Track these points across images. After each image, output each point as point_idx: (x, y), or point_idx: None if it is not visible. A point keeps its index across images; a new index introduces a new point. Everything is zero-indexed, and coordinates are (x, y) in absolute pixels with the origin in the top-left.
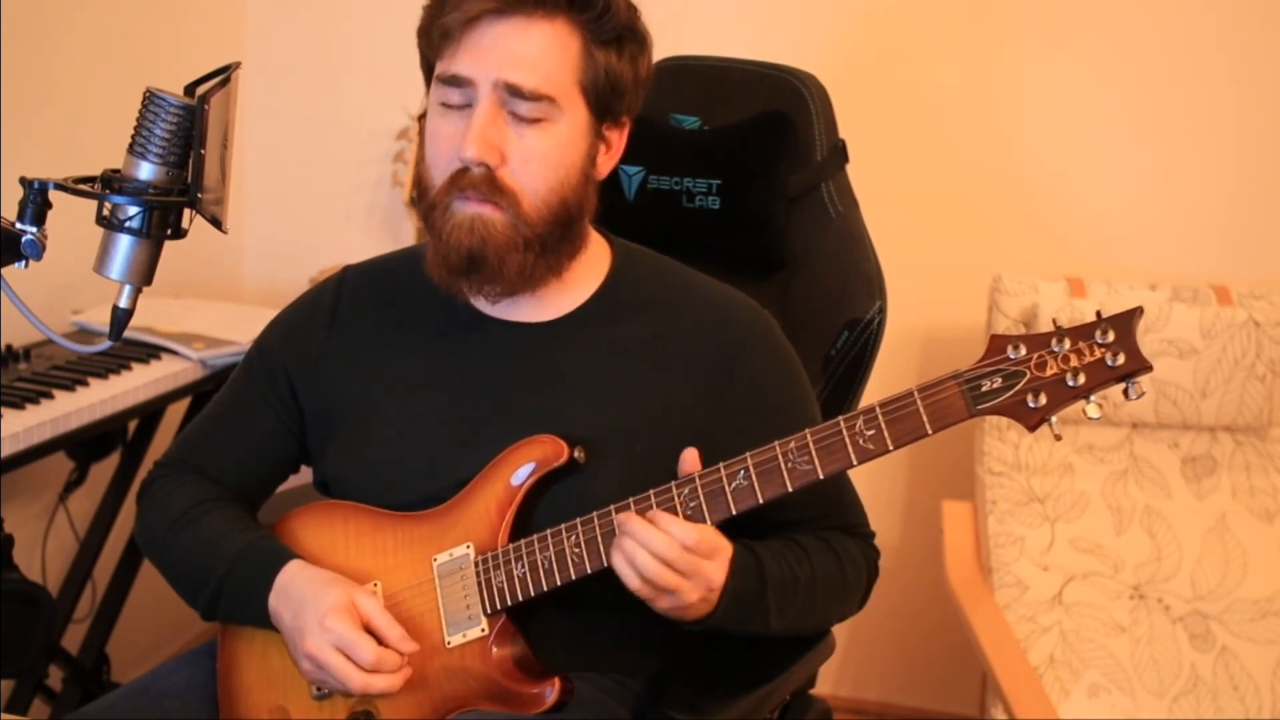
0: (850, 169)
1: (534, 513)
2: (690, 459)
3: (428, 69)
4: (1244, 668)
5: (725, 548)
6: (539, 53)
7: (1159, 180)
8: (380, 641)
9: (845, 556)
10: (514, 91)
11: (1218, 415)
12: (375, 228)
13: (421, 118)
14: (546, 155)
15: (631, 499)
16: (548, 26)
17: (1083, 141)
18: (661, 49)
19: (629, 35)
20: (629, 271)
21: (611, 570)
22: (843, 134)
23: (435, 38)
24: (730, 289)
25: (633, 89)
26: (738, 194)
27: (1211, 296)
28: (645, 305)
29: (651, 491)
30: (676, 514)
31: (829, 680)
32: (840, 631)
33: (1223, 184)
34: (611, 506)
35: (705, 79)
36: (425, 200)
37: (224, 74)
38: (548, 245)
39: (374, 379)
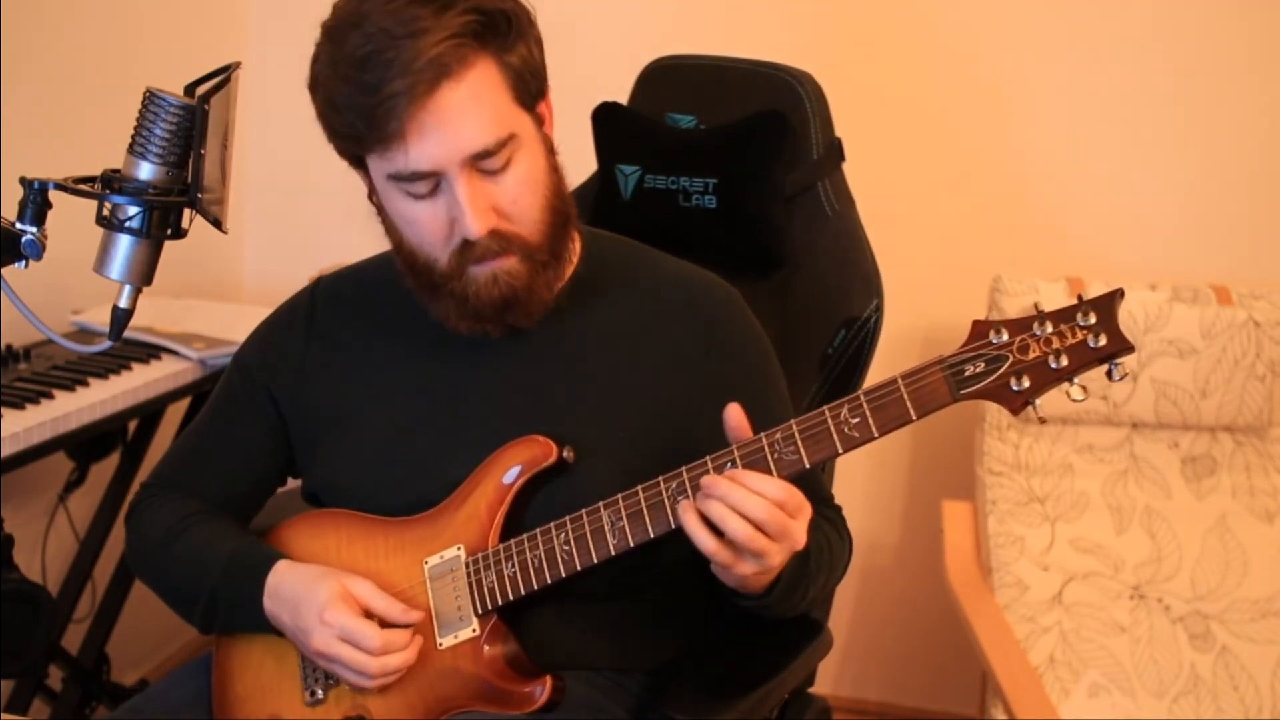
0: (848, 168)
1: (525, 512)
2: (734, 417)
3: (349, 155)
4: (1244, 668)
5: (808, 507)
6: (481, 107)
7: (1159, 180)
8: (383, 622)
9: (830, 527)
10: (482, 156)
11: (1218, 415)
12: (375, 228)
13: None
14: (528, 183)
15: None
16: (468, 74)
17: (1083, 141)
18: (658, 48)
19: (522, 20)
20: (599, 258)
21: (600, 567)
22: (840, 133)
23: (365, 140)
24: (699, 269)
25: (541, 60)
26: (734, 193)
27: (1211, 296)
28: (617, 291)
29: (639, 488)
30: (665, 510)
31: (829, 680)
32: (840, 631)
33: (1223, 184)
34: (600, 504)
35: (701, 78)
36: (426, 278)
37: (224, 74)
38: (556, 251)
39: (356, 387)
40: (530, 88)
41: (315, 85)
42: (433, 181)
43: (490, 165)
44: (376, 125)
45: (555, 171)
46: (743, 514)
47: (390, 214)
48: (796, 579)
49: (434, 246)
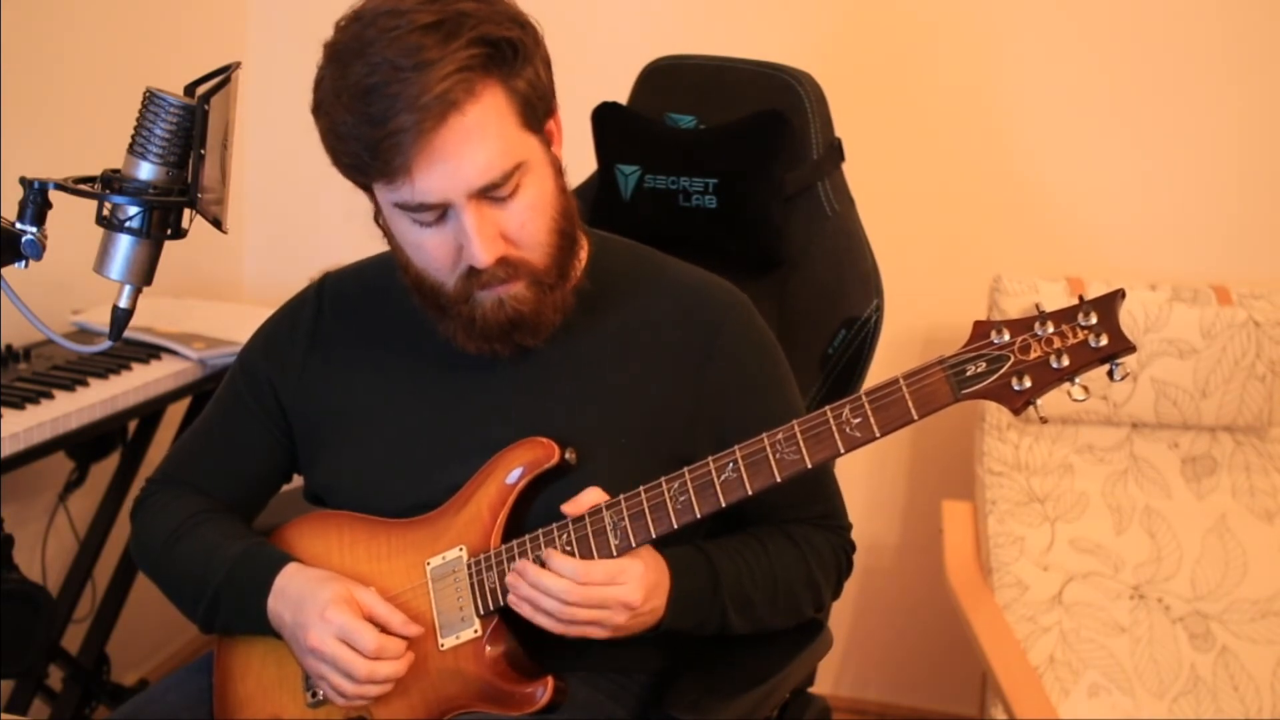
0: (849, 168)
1: (527, 514)
2: (591, 496)
3: (355, 182)
4: (1244, 668)
5: (630, 567)
6: (488, 139)
7: (1159, 180)
8: (382, 629)
9: (808, 549)
10: (491, 188)
11: (1218, 415)
12: (375, 228)
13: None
14: (535, 207)
15: (558, 522)
16: (475, 106)
17: (1083, 141)
18: (657, 48)
19: (528, 45)
20: (605, 262)
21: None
22: (840, 133)
23: (370, 171)
24: (706, 273)
25: (548, 79)
26: (734, 193)
27: (1211, 296)
28: (623, 294)
29: (642, 488)
30: (667, 509)
31: (829, 680)
32: (840, 631)
33: (1223, 184)
34: (601, 504)
35: (701, 78)
36: (433, 299)
37: (224, 74)
38: (564, 272)
39: (360, 389)
40: (538, 110)
41: (319, 110)
42: (440, 210)
43: (498, 194)
44: (382, 159)
45: (563, 193)
46: (547, 594)
47: (397, 237)
48: (704, 606)
49: (440, 271)
